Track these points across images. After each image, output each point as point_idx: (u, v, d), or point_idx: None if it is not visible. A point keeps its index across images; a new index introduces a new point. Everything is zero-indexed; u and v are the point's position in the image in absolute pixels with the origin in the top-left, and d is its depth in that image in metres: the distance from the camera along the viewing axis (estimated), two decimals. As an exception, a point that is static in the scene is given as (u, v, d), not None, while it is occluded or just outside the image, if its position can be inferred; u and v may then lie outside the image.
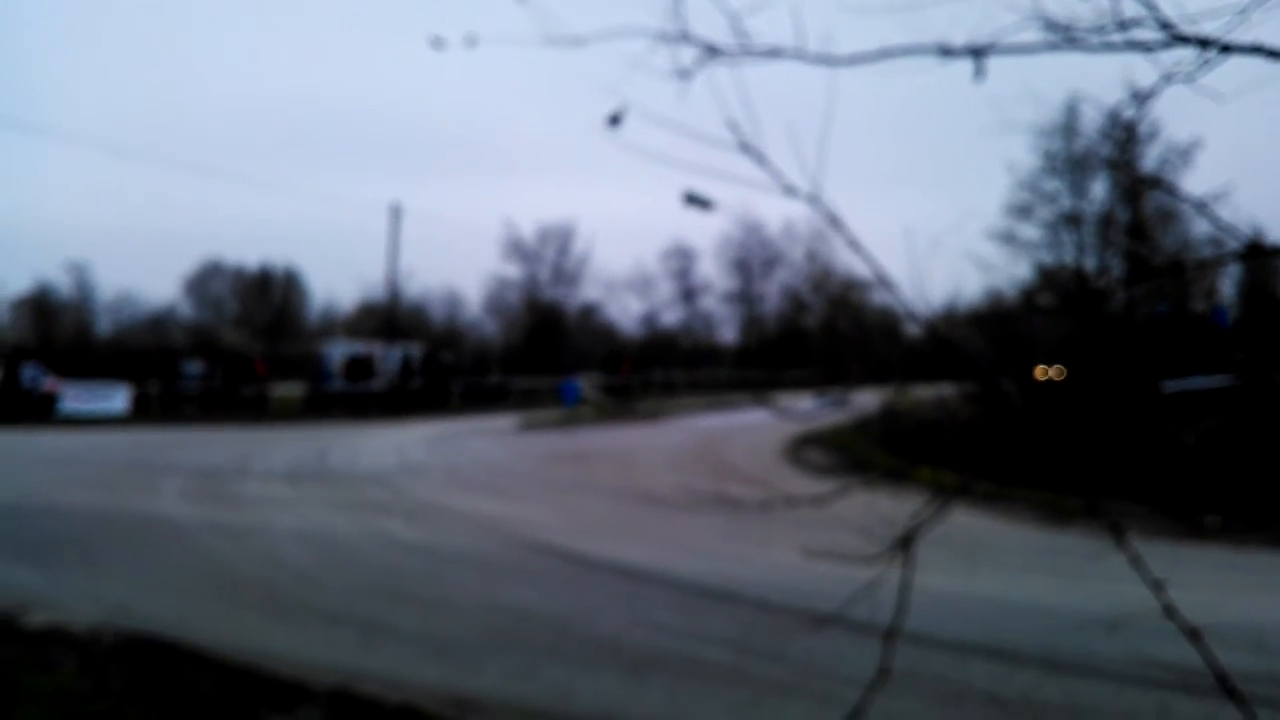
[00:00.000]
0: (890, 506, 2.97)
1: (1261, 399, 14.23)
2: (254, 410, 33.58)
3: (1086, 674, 6.37)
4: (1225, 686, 2.17)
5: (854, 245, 2.33)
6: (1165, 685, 6.04)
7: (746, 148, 2.33)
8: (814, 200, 2.28)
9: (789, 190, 2.29)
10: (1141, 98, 2.94)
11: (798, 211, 62.28)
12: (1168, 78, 2.65)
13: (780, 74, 2.76)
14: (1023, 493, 13.41)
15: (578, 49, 2.94)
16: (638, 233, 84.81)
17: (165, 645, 7.31)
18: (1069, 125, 25.94)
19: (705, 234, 66.25)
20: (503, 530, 11.75)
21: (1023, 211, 27.78)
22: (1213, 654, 2.36)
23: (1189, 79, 2.63)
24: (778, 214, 59.77)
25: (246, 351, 42.92)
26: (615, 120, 2.60)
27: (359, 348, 40.36)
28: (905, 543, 2.68)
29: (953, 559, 10.02)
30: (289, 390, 37.01)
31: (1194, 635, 2.29)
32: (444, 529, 11.97)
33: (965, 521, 12.75)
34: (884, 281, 2.54)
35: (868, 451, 19.11)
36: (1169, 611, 2.32)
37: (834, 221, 2.30)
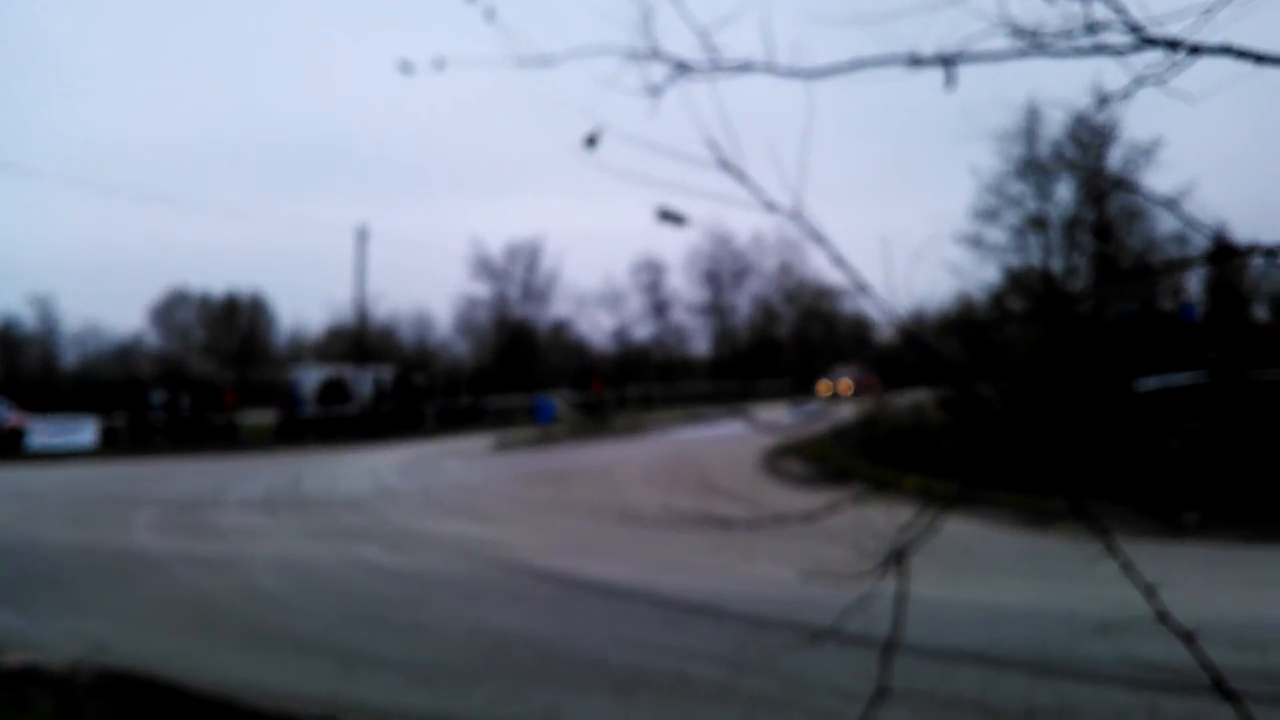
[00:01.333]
0: (875, 516, 2.98)
1: (1234, 394, 14.44)
2: (225, 439, 33.23)
3: (1076, 677, 6.40)
4: (1221, 687, 2.18)
5: (838, 260, 2.34)
6: (1154, 686, 6.07)
7: (726, 165, 2.34)
8: (796, 216, 2.29)
9: (770, 207, 2.30)
10: (1109, 101, 2.97)
11: (767, 223, 62.69)
12: (1139, 80, 2.67)
13: (750, 87, 2.79)
14: (1004, 497, 13.48)
15: (547, 68, 2.95)
16: (607, 248, 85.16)
17: (144, 681, 7.19)
18: (1031, 129, 26.30)
19: (675, 247, 66.47)
20: (483, 553, 11.68)
21: (989, 215, 28.12)
22: (1207, 656, 2.38)
23: (1159, 81, 2.66)
24: (747, 225, 60.15)
25: (215, 380, 42.50)
26: (592, 142, 2.62)
27: (329, 372, 40.07)
28: (899, 556, 2.68)
29: (936, 566, 9.94)
30: (260, 417, 36.67)
31: (1188, 639, 2.30)
32: (423, 553, 11.88)
33: (947, 527, 12.70)
34: (866, 292, 2.55)
35: (846, 460, 19.17)
36: (1162, 617, 2.34)
37: (817, 237, 2.31)
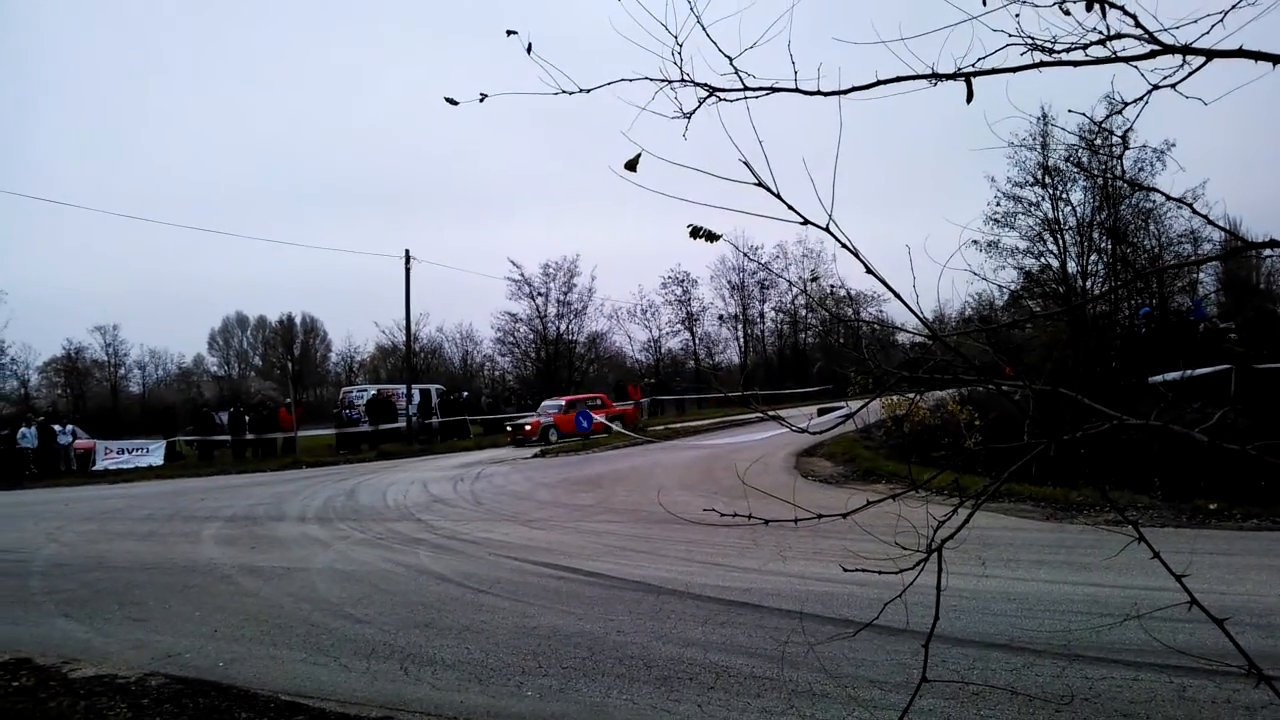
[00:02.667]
0: (908, 513, 3.19)
1: (1251, 385, 14.40)
2: (284, 455, 34.00)
3: (1104, 662, 6.53)
4: (1255, 671, 2.36)
5: (870, 270, 2.51)
6: (1182, 670, 6.21)
7: (762, 184, 2.52)
8: (829, 229, 2.48)
9: (806, 222, 2.44)
10: (1125, 106, 3.08)
11: (790, 234, 62.52)
12: (1155, 86, 2.80)
13: (771, 105, 2.97)
14: (1026, 489, 13.58)
15: (586, 96, 3.16)
16: (638, 262, 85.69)
17: (213, 687, 7.58)
18: (1045, 134, 26.26)
19: (703, 260, 66.67)
20: (529, 556, 12.01)
21: (1005, 220, 28.17)
22: (1237, 641, 2.55)
23: (1174, 86, 2.77)
24: (772, 236, 59.99)
25: (274, 400, 43.41)
26: (633, 165, 2.83)
27: (380, 390, 40.85)
28: (936, 550, 2.90)
29: (963, 557, 10.10)
30: (315, 434, 37.46)
31: (1220, 623, 2.48)
32: (473, 558, 12.23)
33: (973, 520, 12.88)
34: (899, 299, 2.78)
35: (874, 460, 19.27)
36: (1194, 602, 2.51)
37: (851, 248, 2.51)
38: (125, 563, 13.74)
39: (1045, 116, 23.97)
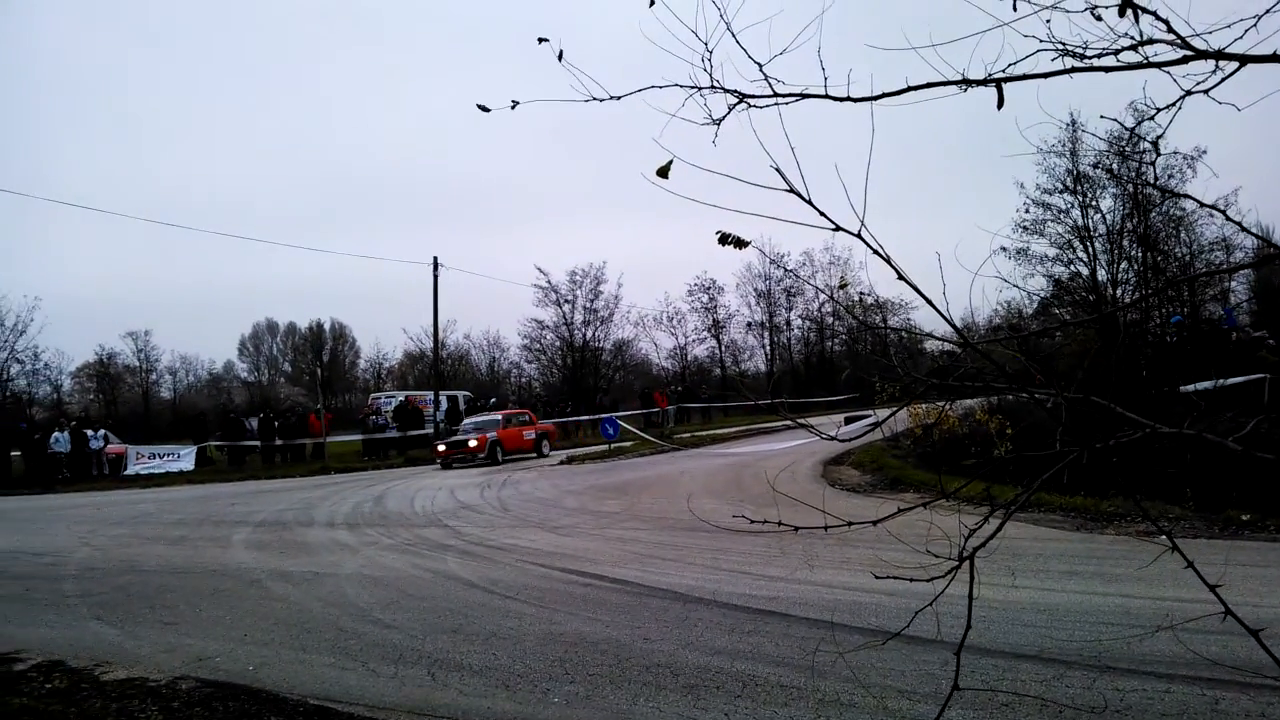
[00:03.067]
0: (936, 521, 3.17)
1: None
2: (313, 461, 34.25)
3: (1136, 674, 6.45)
4: None
5: (901, 276, 2.50)
6: (1215, 682, 6.13)
7: (793, 189, 2.52)
8: (860, 235, 2.47)
9: (837, 227, 2.44)
10: (1158, 113, 3.05)
11: (816, 241, 62.32)
12: (1188, 92, 2.77)
13: (798, 111, 2.96)
14: (1056, 499, 13.46)
15: (609, 102, 3.17)
16: (665, 270, 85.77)
17: (243, 691, 7.64)
18: (1075, 140, 26.09)
19: (729, 268, 66.51)
20: (556, 563, 12.03)
21: (1034, 227, 28.02)
22: (1273, 652, 2.51)
23: (1206, 91, 2.73)
24: (799, 244, 59.91)
25: (305, 405, 43.81)
26: (664, 172, 2.83)
27: (407, 397, 41.12)
28: (968, 558, 2.88)
29: (993, 568, 10.00)
30: (344, 440, 37.71)
31: (1255, 634, 2.44)
32: (500, 564, 12.26)
33: (1002, 530, 12.76)
34: (931, 305, 2.76)
35: (901, 469, 19.17)
36: (1228, 613, 2.48)
37: (882, 254, 2.50)
38: (156, 566, 13.90)
39: (1075, 123, 23.81)
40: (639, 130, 2.72)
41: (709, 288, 56.01)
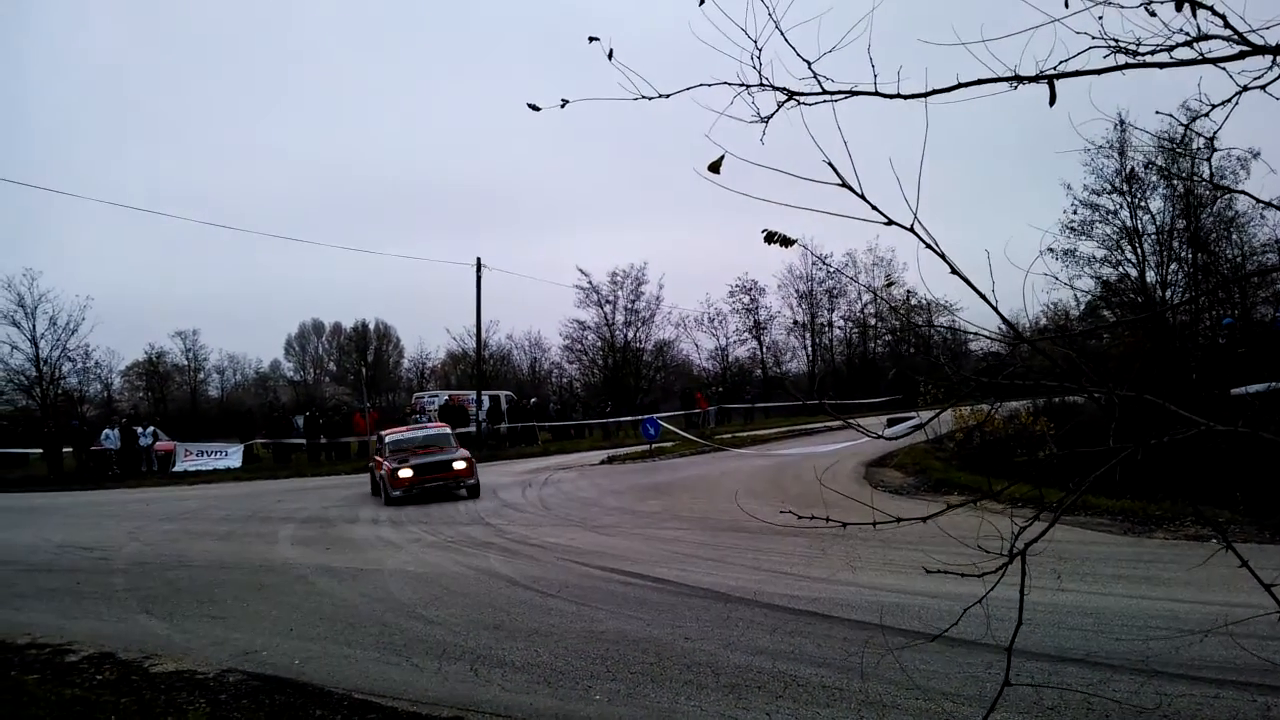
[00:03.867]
0: (974, 524, 3.15)
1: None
2: (358, 459, 34.62)
3: (1184, 679, 6.35)
4: None
5: (955, 270, 2.48)
6: (1266, 688, 6.02)
7: (845, 184, 2.51)
8: (914, 230, 2.46)
9: (890, 221, 2.43)
10: (1205, 110, 3.00)
11: (859, 242, 61.80)
12: (1244, 88, 2.72)
13: (845, 110, 2.95)
14: (1104, 502, 13.24)
15: (653, 102, 3.18)
16: (707, 272, 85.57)
17: (289, 685, 7.75)
18: (1124, 139, 25.68)
19: (771, 268, 66.09)
20: (598, 562, 12.06)
21: (1082, 228, 27.64)
22: None
23: (1263, 87, 2.69)
24: (841, 245, 59.41)
25: (350, 404, 44.31)
26: (716, 167, 2.85)
27: (451, 395, 41.46)
28: (1019, 556, 2.86)
29: (1039, 571, 9.83)
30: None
31: None
32: (542, 562, 12.33)
33: (1048, 533, 12.59)
34: (983, 297, 2.75)
35: (945, 470, 18.97)
36: None
37: (936, 249, 2.49)
38: (204, 561, 14.13)
39: (1124, 122, 23.43)
40: (684, 131, 2.73)
41: (750, 289, 55.74)
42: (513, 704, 6.91)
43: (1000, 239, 2.78)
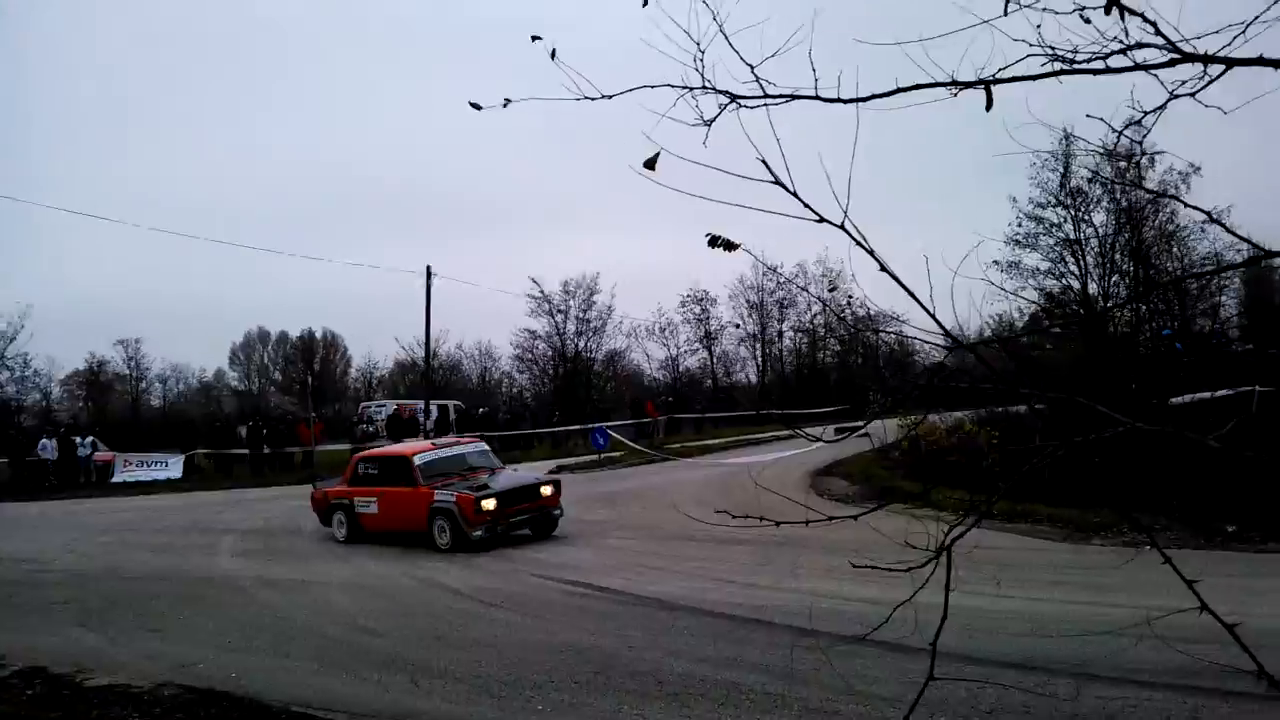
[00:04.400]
0: (918, 521, 3.17)
1: (1272, 407, 14.31)
2: (302, 470, 34.15)
3: (1118, 682, 6.46)
4: (1264, 675, 2.32)
5: (884, 268, 2.50)
6: (1194, 690, 6.13)
7: (778, 181, 2.52)
8: (844, 227, 2.48)
9: (822, 219, 2.45)
10: (1145, 116, 3.07)
11: (810, 253, 62.43)
12: (1173, 94, 2.77)
13: (794, 116, 2.97)
14: (1044, 509, 13.47)
15: (600, 107, 3.17)
16: (658, 281, 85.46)
17: (225, 698, 7.59)
18: (1067, 154, 26.24)
19: (722, 279, 66.38)
20: (544, 571, 11.99)
21: (1026, 240, 28.21)
22: (1245, 644, 2.50)
23: (1193, 94, 2.74)
24: (792, 256, 59.88)
25: (295, 414, 43.63)
26: (651, 164, 2.83)
27: (400, 405, 41.09)
28: (945, 550, 2.89)
29: (979, 577, 9.98)
30: (334, 449, 37.57)
31: (1230, 628, 2.44)
32: (487, 572, 12.24)
33: (990, 540, 12.73)
34: (915, 299, 2.77)
35: (890, 479, 19.19)
36: (1204, 607, 2.48)
37: (865, 246, 2.50)
38: (141, 573, 13.83)
39: (1069, 136, 23.93)
40: (635, 138, 2.71)
41: (701, 299, 56.04)
42: (454, 715, 6.85)
43: (948, 245, 2.80)
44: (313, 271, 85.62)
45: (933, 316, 2.77)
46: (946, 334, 2.85)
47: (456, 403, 43.83)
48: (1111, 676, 6.56)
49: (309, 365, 72.77)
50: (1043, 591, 9.46)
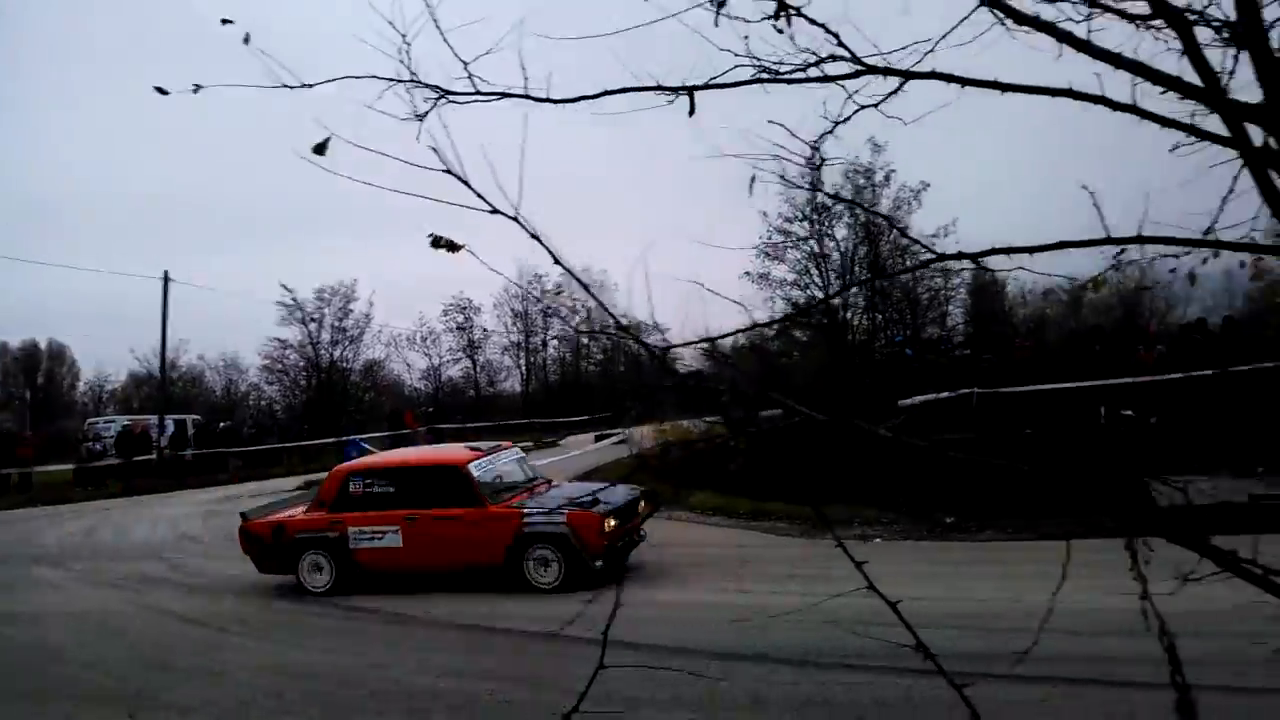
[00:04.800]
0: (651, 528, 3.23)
1: (989, 407, 15.82)
2: (19, 491, 31.05)
3: (842, 669, 6.87)
4: (922, 648, 2.48)
5: (558, 261, 2.52)
6: (912, 672, 6.55)
7: (449, 170, 2.49)
8: (517, 219, 2.48)
9: (495, 210, 2.45)
10: (830, 127, 3.30)
11: (575, 261, 63.39)
12: (861, 106, 3.00)
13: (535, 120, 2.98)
14: (782, 508, 14.21)
15: (303, 97, 3.05)
16: (420, 291, 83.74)
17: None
18: (816, 170, 27.89)
19: (487, 287, 65.88)
20: (280, 592, 11.42)
21: (775, 253, 29.72)
22: (906, 620, 2.68)
23: (876, 105, 3.00)
24: (555, 267, 60.12)
25: (14, 431, 39.51)
26: (321, 149, 2.70)
27: (130, 421, 38.10)
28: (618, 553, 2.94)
29: (720, 574, 10.49)
30: (56, 469, 34.37)
31: (893, 605, 2.60)
32: (220, 596, 11.60)
33: (733, 539, 13.45)
34: (585, 288, 2.81)
35: (643, 482, 19.69)
36: (870, 587, 2.63)
37: (535, 236, 2.50)
38: None
39: (817, 150, 25.40)
40: (343, 124, 2.60)
41: (465, 307, 55.47)
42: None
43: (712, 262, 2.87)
44: (39, 279, 77.99)
45: (581, 284, 2.85)
46: (632, 336, 2.93)
47: (195, 417, 41.23)
48: (834, 663, 6.97)
49: (31, 378, 66.65)
50: (779, 585, 9.73)
